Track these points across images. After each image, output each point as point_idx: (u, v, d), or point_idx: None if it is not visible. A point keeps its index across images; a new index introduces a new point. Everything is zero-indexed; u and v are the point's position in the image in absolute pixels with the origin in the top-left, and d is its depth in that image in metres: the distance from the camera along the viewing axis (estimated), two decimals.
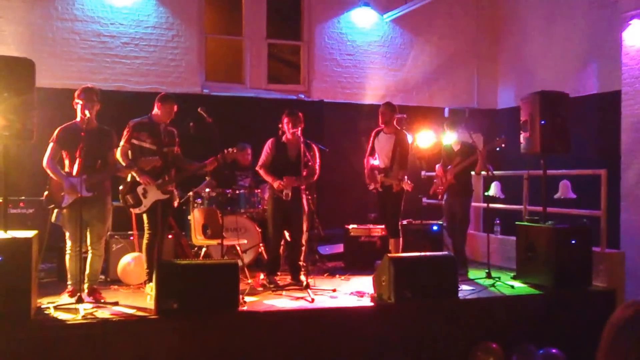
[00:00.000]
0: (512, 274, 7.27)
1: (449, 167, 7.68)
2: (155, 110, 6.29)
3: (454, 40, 10.93)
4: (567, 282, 6.63)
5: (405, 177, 7.15)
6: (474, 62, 11.09)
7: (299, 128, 6.69)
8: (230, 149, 6.37)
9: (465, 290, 6.50)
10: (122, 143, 6.11)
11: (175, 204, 6.54)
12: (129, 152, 6.12)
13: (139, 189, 6.12)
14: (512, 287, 6.79)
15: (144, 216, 6.23)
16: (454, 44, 10.94)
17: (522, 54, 10.66)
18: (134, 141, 6.13)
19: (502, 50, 11.15)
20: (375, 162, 7.40)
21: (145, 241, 6.25)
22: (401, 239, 7.39)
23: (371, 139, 7.49)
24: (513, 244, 7.45)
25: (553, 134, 6.91)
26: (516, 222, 7.39)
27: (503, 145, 7.30)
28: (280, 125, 6.86)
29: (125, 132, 6.15)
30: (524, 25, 10.63)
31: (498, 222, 8.72)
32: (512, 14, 10.92)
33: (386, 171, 7.27)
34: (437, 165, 7.94)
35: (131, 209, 6.23)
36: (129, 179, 6.17)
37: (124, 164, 6.03)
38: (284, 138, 6.87)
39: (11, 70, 5.31)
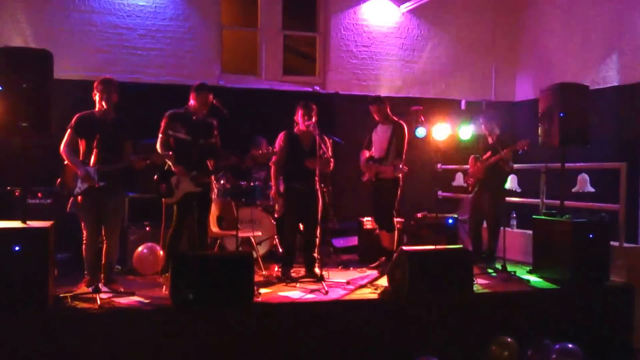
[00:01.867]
0: (528, 268, 7.24)
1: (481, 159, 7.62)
2: (191, 101, 6.26)
3: (471, 32, 10.83)
4: (584, 276, 6.57)
5: (401, 164, 7.11)
6: (492, 53, 10.98)
7: (313, 120, 6.69)
8: (265, 151, 6.40)
9: (480, 283, 6.47)
10: (159, 134, 6.13)
11: (213, 196, 6.52)
12: (166, 142, 6.11)
13: (173, 179, 6.09)
14: (529, 281, 6.77)
15: (175, 207, 6.21)
16: (471, 35, 10.84)
17: (541, 45, 10.54)
18: (170, 132, 6.13)
19: (520, 41, 11.02)
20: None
21: (170, 231, 6.23)
22: (396, 232, 7.36)
23: (370, 132, 7.48)
24: (529, 238, 7.41)
25: (572, 126, 6.86)
26: (533, 216, 7.34)
27: (526, 147, 7.18)
28: (295, 118, 6.86)
29: (162, 123, 6.16)
30: (543, 16, 10.50)
31: (514, 215, 8.65)
32: (530, 4, 10.77)
33: (381, 161, 7.26)
34: (471, 157, 7.88)
35: (163, 198, 6.22)
36: (165, 167, 6.16)
37: (161, 154, 6.03)
38: (296, 130, 6.87)
39: (29, 62, 5.35)
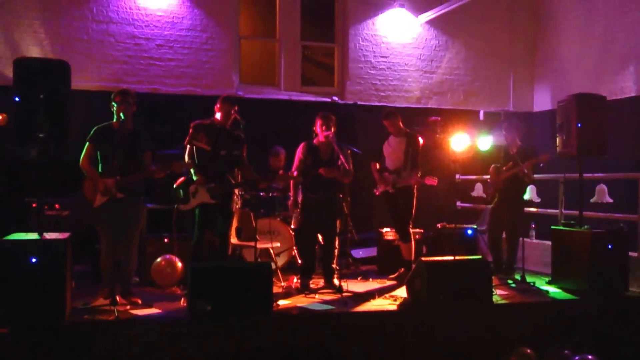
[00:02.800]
0: (547, 279, 7.20)
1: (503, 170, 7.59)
2: (217, 113, 6.26)
3: (489, 42, 10.80)
4: (603, 287, 6.54)
5: (419, 174, 7.14)
6: (510, 64, 10.94)
7: (332, 130, 6.68)
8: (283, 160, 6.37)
9: (499, 294, 6.43)
10: (186, 144, 6.15)
11: (234, 207, 6.49)
12: (191, 152, 6.13)
13: (192, 187, 6.09)
14: (548, 292, 6.72)
15: (194, 216, 6.18)
16: (490, 45, 10.81)
17: (559, 56, 10.49)
18: (193, 141, 6.13)
19: (538, 52, 10.98)
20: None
21: (192, 242, 6.21)
22: (413, 242, 7.32)
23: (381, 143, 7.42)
24: (548, 249, 7.36)
25: (589, 137, 6.85)
26: (552, 227, 7.30)
27: (546, 160, 7.18)
28: (314, 128, 6.85)
29: (189, 132, 6.17)
30: (561, 27, 10.46)
31: (533, 226, 8.60)
32: (548, 15, 10.74)
33: (398, 172, 7.21)
34: (491, 166, 7.84)
35: (177, 204, 6.22)
36: (193, 175, 6.15)
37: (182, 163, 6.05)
38: (315, 141, 6.87)
39: (47, 72, 5.38)
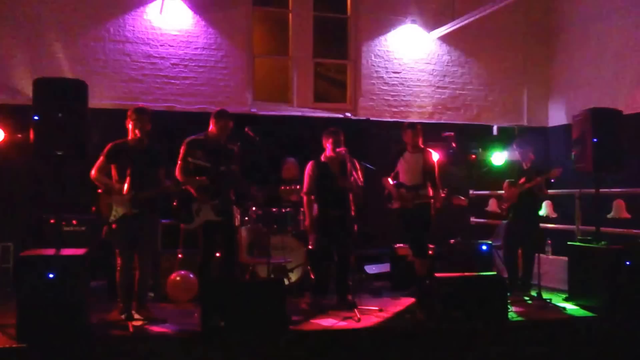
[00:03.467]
0: (564, 296, 7.14)
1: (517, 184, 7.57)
2: (211, 127, 6.27)
3: (502, 57, 10.81)
4: (621, 304, 6.45)
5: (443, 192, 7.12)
6: (524, 78, 10.93)
7: (343, 146, 6.70)
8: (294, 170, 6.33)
9: (515, 311, 6.39)
10: (178, 161, 6.15)
11: (236, 222, 6.49)
12: (185, 169, 6.11)
13: (194, 205, 6.09)
14: (565, 309, 6.67)
15: (199, 235, 6.18)
16: (503, 60, 10.82)
17: (574, 70, 10.46)
18: (189, 158, 6.13)
19: (552, 66, 10.96)
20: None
21: (199, 259, 6.21)
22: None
23: (390, 157, 7.33)
24: (565, 265, 7.31)
25: (606, 151, 6.81)
26: (568, 242, 7.25)
27: (558, 175, 7.12)
28: (324, 144, 6.87)
29: (181, 149, 6.18)
30: (575, 41, 10.43)
31: (549, 242, 8.54)
32: (563, 29, 10.73)
33: (416, 189, 7.13)
34: (505, 181, 7.82)
35: (182, 224, 6.23)
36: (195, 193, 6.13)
37: (181, 181, 6.05)
38: (323, 157, 6.89)
39: (65, 92, 5.50)
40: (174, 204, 6.14)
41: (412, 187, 7.17)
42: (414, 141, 7.26)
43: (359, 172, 6.85)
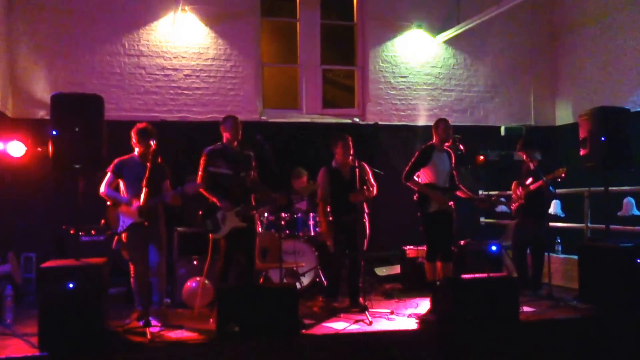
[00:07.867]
0: (574, 295, 7.14)
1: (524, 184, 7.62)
2: (225, 135, 6.38)
3: (508, 58, 10.87)
4: (632, 302, 6.45)
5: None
6: (530, 79, 10.98)
7: (352, 152, 6.79)
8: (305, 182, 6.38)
9: (526, 311, 6.43)
10: (199, 172, 6.24)
11: (258, 228, 6.56)
12: (207, 179, 6.17)
13: (219, 214, 6.15)
14: (575, 307, 6.68)
15: (222, 242, 6.23)
16: (509, 61, 10.88)
17: (580, 69, 10.49)
18: (210, 168, 6.21)
19: (558, 65, 10.99)
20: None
21: (218, 266, 6.26)
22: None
23: (418, 157, 6.91)
24: (575, 264, 7.31)
25: (614, 150, 6.84)
26: (578, 241, 7.26)
27: (563, 175, 7.13)
28: (333, 150, 6.96)
29: (201, 161, 6.27)
30: (581, 40, 10.47)
31: (559, 241, 8.58)
32: (568, 29, 10.77)
33: (449, 191, 6.95)
34: (513, 182, 7.88)
35: (210, 234, 6.29)
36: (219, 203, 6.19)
37: (206, 193, 6.15)
38: (334, 163, 6.98)
39: (82, 106, 5.66)
40: (199, 213, 6.22)
41: (447, 188, 6.95)
42: (441, 138, 6.93)
43: (370, 175, 6.93)
